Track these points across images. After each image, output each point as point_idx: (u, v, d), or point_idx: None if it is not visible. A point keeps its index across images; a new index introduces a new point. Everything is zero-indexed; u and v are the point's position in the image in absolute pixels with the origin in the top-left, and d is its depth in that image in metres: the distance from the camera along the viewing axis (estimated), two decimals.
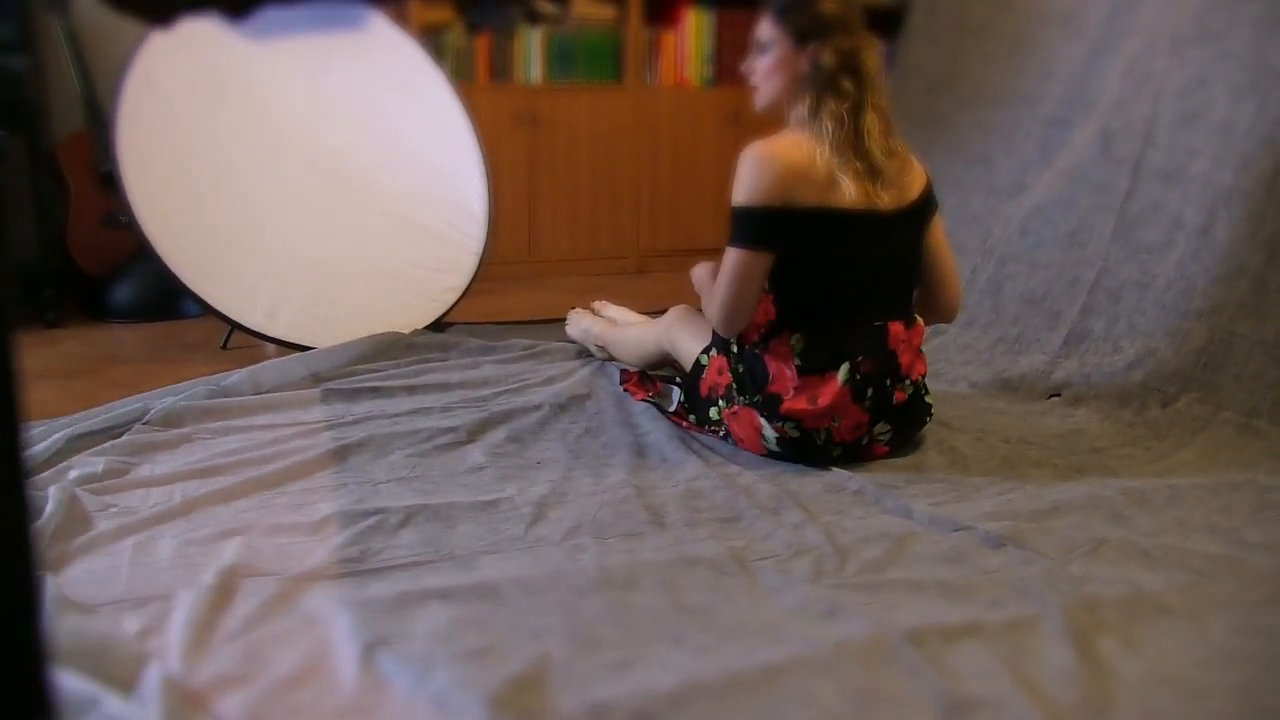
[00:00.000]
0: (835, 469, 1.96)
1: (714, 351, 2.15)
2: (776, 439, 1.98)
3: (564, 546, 1.65)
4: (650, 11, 3.92)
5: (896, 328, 2.01)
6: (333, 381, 2.48)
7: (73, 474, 1.87)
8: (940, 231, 2.12)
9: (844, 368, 1.95)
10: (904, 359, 2.01)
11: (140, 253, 2.94)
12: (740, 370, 2.05)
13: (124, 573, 1.55)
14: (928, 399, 2.11)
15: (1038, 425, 2.22)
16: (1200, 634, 1.40)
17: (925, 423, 2.12)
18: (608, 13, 3.87)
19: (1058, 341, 2.44)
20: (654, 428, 2.18)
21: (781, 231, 1.94)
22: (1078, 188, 2.58)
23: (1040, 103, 2.80)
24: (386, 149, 2.96)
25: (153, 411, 2.20)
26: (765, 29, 2.00)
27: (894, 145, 2.00)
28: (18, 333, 0.67)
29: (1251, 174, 2.24)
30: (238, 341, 2.82)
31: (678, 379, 2.38)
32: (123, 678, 1.24)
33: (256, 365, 2.47)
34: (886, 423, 2.01)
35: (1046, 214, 2.65)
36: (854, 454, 2.01)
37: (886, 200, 1.96)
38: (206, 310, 2.68)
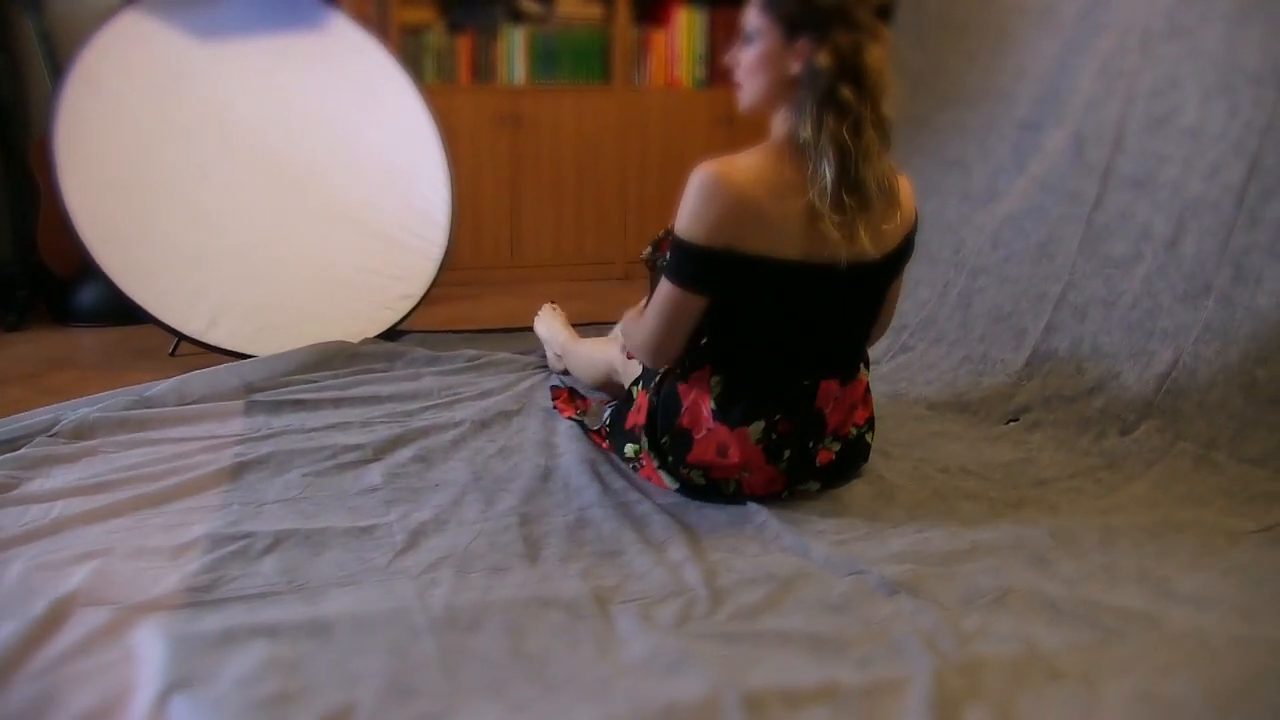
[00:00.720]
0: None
1: (641, 385, 1.98)
2: (679, 487, 1.84)
3: (421, 580, 1.54)
4: (639, 10, 3.80)
5: (829, 386, 1.80)
6: (263, 393, 2.41)
7: None
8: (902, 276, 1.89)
9: (757, 425, 1.76)
10: (833, 418, 1.82)
11: None
12: (655, 403, 1.86)
13: None
14: (869, 437, 1.94)
15: (986, 453, 2.05)
16: (1088, 704, 1.25)
17: (861, 464, 1.95)
18: (594, 11, 3.76)
19: (1021, 361, 2.27)
20: (571, 449, 2.07)
21: (720, 278, 1.69)
22: (1049, 196, 2.40)
23: (1015, 104, 2.62)
24: (343, 153, 2.89)
25: (63, 423, 2.15)
26: (752, 16, 1.71)
27: (889, 170, 1.70)
28: None
29: (1221, 182, 2.05)
30: (187, 349, 2.77)
31: (614, 400, 2.26)
32: None
33: (185, 375, 2.40)
34: (813, 480, 1.85)
35: (1018, 224, 2.48)
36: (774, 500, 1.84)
37: (861, 247, 1.67)
38: (145, 317, 2.62)
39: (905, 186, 1.78)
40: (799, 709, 1.22)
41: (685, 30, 3.83)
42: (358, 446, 2.07)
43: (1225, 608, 1.46)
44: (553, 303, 2.77)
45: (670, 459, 1.83)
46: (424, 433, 2.16)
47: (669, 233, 1.74)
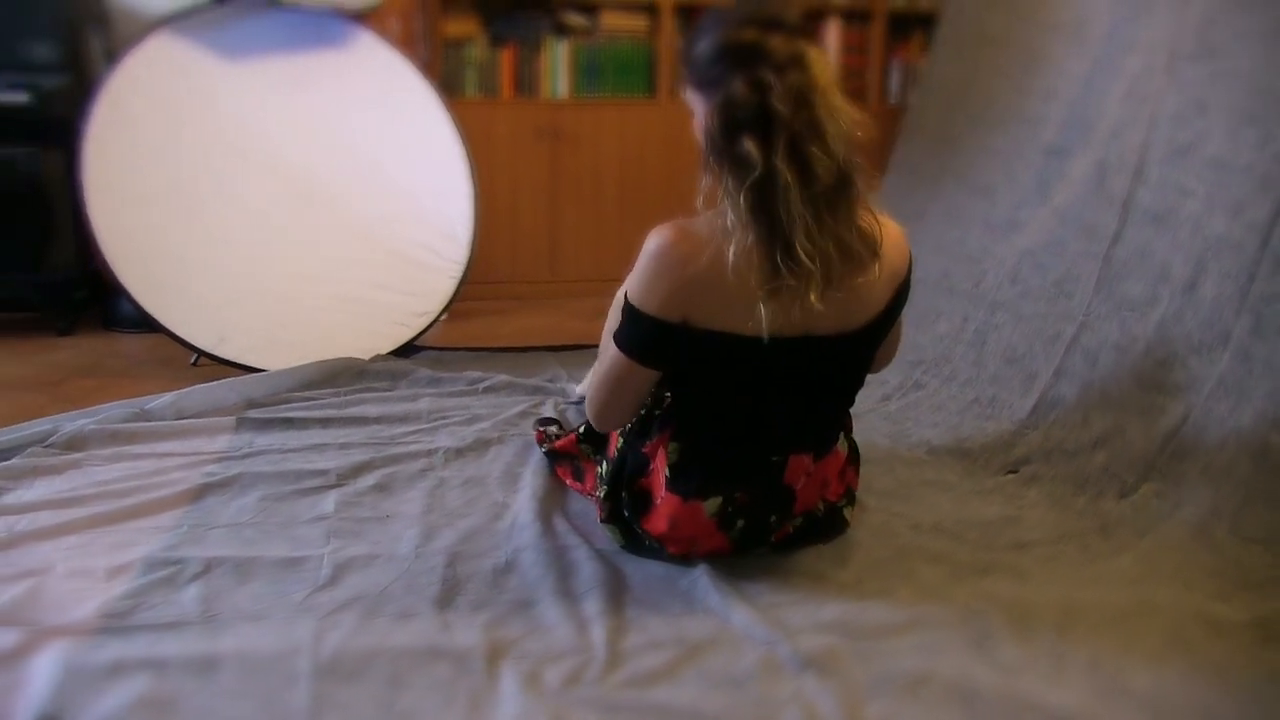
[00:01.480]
0: None
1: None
2: (624, 544, 1.74)
3: (325, 620, 1.52)
4: (686, 21, 3.71)
5: (801, 462, 1.62)
6: (260, 409, 2.43)
7: None
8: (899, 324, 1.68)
9: (714, 501, 1.62)
10: (805, 494, 1.65)
11: None
12: (623, 455, 1.73)
13: None
14: (847, 512, 1.77)
15: (971, 508, 1.91)
16: None
17: (833, 535, 1.77)
18: (639, 23, 3.68)
19: (1028, 408, 2.10)
20: (531, 484, 2.01)
21: (673, 352, 1.54)
22: (1069, 229, 2.22)
23: (1043, 127, 2.43)
24: (364, 170, 2.90)
25: (59, 433, 2.20)
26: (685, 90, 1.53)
27: (853, 234, 1.45)
28: None
29: (1245, 220, 1.85)
30: (209, 360, 2.82)
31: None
32: None
33: (184, 390, 2.44)
34: (764, 546, 1.71)
35: (1037, 258, 2.30)
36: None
37: (824, 321, 1.48)
38: (158, 329, 2.68)
39: (892, 235, 1.53)
40: None
41: None
42: (323, 472, 2.06)
43: (1183, 715, 1.31)
44: None
45: (626, 515, 1.72)
46: (394, 460, 2.13)
47: None
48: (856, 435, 1.79)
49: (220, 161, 2.74)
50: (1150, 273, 1.98)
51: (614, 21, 3.66)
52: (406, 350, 2.91)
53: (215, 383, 2.49)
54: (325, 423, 2.36)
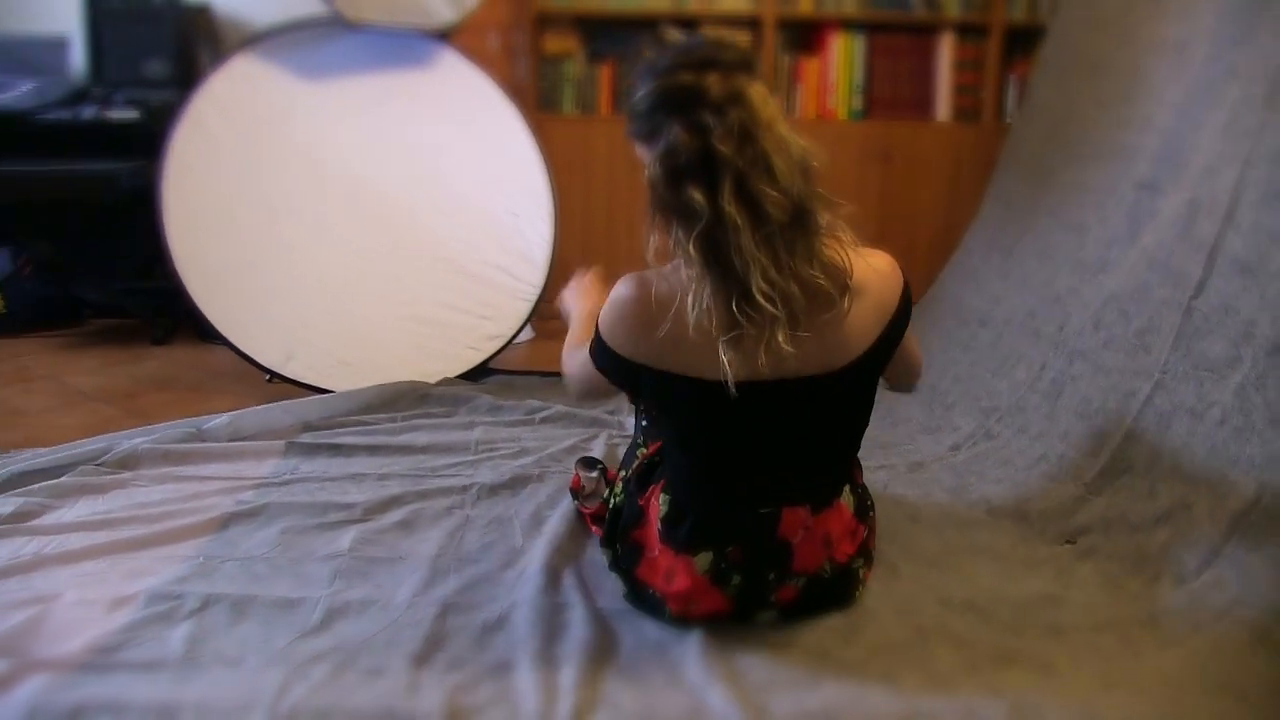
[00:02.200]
0: None
1: (621, 468, 1.81)
2: (627, 593, 1.67)
3: (295, 671, 1.49)
4: (790, 37, 3.57)
5: (796, 515, 1.53)
6: (312, 433, 2.45)
7: None
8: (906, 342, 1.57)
9: (705, 556, 1.54)
10: (804, 551, 1.55)
11: None
12: (620, 501, 1.68)
13: None
14: (862, 571, 1.65)
15: (1015, 582, 1.73)
16: None
17: (847, 599, 1.65)
18: (741, 38, 3.57)
19: (1095, 470, 1.90)
20: (554, 530, 1.93)
21: (640, 385, 1.52)
22: (1155, 273, 2.00)
23: (1136, 159, 2.19)
24: (441, 190, 2.90)
25: (112, 452, 2.26)
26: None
27: (816, 270, 1.37)
28: None
29: None
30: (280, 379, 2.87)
31: None
32: None
33: (241, 410, 2.49)
34: (769, 611, 1.60)
35: (1122, 303, 2.08)
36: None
37: (800, 364, 1.40)
38: (227, 345, 2.74)
39: (878, 265, 1.46)
40: None
41: (842, 58, 3.56)
42: (350, 505, 2.05)
43: None
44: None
45: (623, 565, 1.66)
46: (425, 495, 2.11)
47: None
48: (918, 489, 1.67)
49: (297, 180, 2.79)
50: (1233, 330, 1.76)
51: (715, 36, 3.55)
52: (479, 372, 2.90)
53: (272, 405, 2.53)
54: (373, 450, 2.35)
